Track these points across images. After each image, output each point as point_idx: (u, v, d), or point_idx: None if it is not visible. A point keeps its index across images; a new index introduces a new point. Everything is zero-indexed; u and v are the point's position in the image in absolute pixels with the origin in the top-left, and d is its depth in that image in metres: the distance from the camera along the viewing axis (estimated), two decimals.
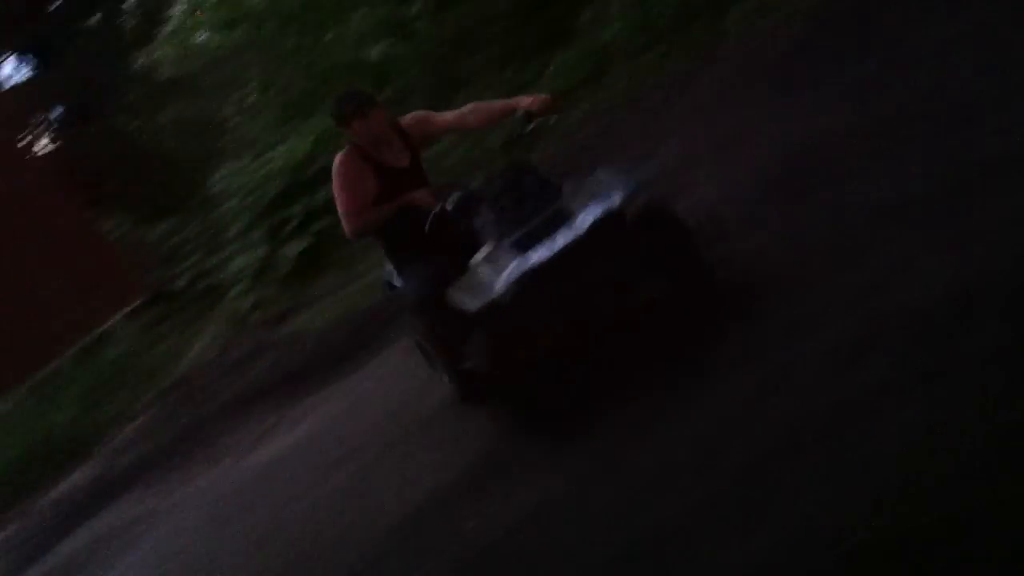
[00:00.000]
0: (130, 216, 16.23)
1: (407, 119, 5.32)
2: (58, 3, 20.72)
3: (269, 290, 11.87)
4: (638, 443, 4.01)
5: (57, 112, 20.38)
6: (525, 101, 4.95)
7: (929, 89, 5.56)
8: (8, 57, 20.82)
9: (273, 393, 8.95)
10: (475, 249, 4.61)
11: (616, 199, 4.43)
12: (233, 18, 13.23)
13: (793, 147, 5.97)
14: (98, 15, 20.35)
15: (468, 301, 4.48)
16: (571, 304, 4.51)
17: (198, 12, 15.00)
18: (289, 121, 13.84)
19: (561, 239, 4.37)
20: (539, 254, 4.35)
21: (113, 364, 14.16)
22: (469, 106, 5.29)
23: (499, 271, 4.38)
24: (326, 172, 10.03)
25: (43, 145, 19.49)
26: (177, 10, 15.71)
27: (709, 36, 9.17)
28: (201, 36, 15.79)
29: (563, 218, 4.44)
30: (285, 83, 13.20)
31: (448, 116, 5.36)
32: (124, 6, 22.13)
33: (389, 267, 5.47)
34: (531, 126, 4.94)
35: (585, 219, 4.38)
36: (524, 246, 4.40)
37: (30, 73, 21.13)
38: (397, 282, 5.37)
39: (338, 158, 5.10)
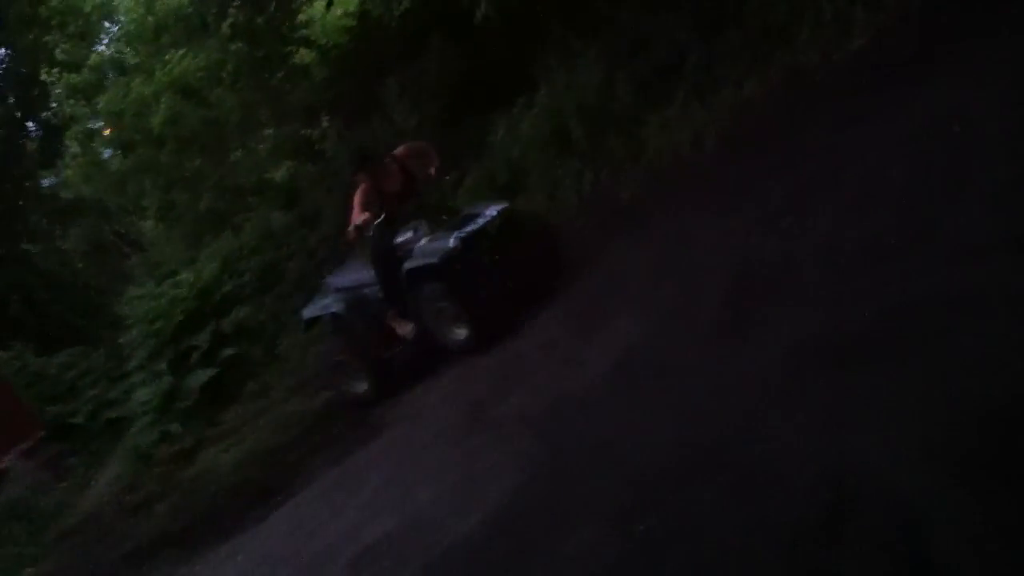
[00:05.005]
0: (29, 345, 15.40)
1: (402, 151, 7.89)
2: None
3: (174, 424, 11.20)
4: None
5: None
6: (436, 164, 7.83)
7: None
8: None
9: (176, 543, 8.31)
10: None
11: (497, 209, 7.46)
12: (131, 139, 12.78)
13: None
14: None
15: (428, 259, 7.12)
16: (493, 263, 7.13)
17: (106, 130, 14.55)
18: (197, 243, 13.39)
19: (473, 226, 7.25)
20: (466, 231, 7.20)
21: (10, 506, 13.25)
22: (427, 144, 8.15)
23: (445, 240, 7.15)
24: (233, 296, 10.09)
25: None
26: (79, 129, 15.25)
27: (625, 149, 8.95)
28: (106, 154, 15.33)
29: (470, 219, 7.40)
30: (190, 204, 12.73)
31: (419, 144, 8.16)
32: (28, 126, 21.65)
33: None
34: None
35: (486, 216, 7.37)
36: (453, 230, 7.24)
37: None
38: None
39: (360, 187, 7.55)
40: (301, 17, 12.50)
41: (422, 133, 9.84)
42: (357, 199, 7.50)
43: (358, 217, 7.32)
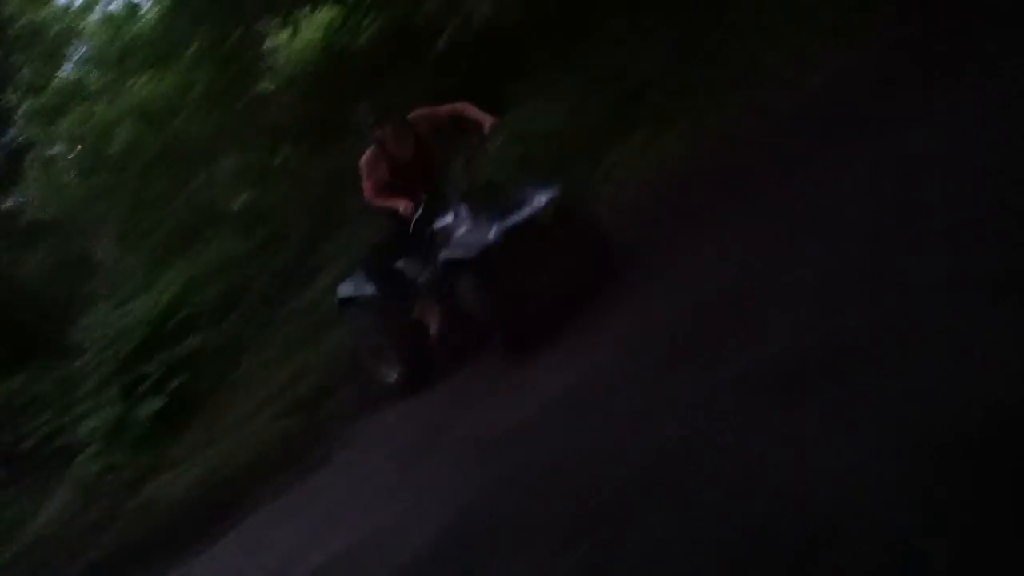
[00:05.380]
0: None
1: (415, 115, 6.93)
2: None
3: (122, 453, 10.95)
4: None
5: None
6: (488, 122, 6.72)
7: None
8: None
9: (118, 571, 8.10)
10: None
11: (544, 198, 6.36)
12: (93, 164, 12.64)
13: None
14: None
15: (465, 252, 6.28)
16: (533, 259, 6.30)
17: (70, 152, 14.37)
18: (157, 268, 13.20)
19: (518, 217, 6.27)
20: (508, 222, 6.23)
21: None
22: (463, 104, 6.95)
23: (485, 232, 6.23)
24: (188, 324, 9.64)
25: None
26: (40, 152, 15.09)
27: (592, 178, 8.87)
28: (68, 177, 15.16)
29: (516, 206, 6.36)
30: (150, 228, 12.57)
31: (446, 107, 6.97)
32: None
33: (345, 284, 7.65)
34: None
35: (534, 204, 6.33)
36: (496, 218, 6.28)
37: None
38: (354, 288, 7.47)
39: (366, 153, 6.89)
40: (267, 45, 12.48)
41: None
42: (366, 160, 6.85)
43: (388, 199, 6.72)
